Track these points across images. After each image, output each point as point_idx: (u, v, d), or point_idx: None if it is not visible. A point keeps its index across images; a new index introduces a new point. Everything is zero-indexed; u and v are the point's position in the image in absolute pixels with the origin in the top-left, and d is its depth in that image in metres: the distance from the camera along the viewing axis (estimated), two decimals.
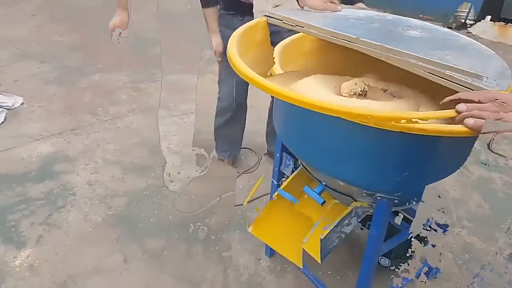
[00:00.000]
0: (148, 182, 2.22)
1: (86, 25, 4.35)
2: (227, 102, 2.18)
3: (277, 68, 1.10)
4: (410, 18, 1.41)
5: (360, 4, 1.61)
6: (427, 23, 1.37)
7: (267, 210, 1.38)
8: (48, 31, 4.18)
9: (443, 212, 1.86)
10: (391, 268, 1.62)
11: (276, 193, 1.36)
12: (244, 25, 1.28)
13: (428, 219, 1.41)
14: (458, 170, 2.33)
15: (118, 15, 1.84)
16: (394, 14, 1.46)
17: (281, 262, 1.78)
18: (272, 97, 1.32)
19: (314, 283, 1.58)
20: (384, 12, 1.52)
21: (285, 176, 1.49)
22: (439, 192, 2.16)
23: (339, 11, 1.43)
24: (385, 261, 1.58)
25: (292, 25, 1.29)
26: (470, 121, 0.81)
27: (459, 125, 0.84)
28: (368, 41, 1.14)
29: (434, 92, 1.18)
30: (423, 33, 1.25)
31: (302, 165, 1.35)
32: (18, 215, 1.98)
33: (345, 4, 1.56)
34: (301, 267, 1.26)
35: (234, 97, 2.14)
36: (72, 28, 4.27)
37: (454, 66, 1.00)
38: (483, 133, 0.79)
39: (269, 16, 1.35)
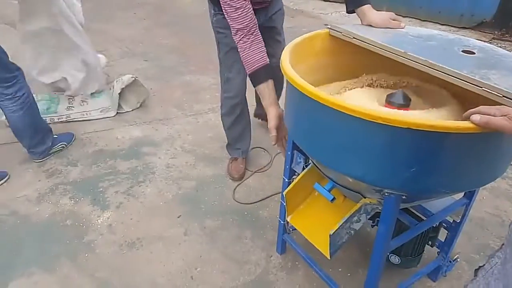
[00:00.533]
0: (215, 171, 2.46)
1: (187, 30, 4.81)
2: (237, 100, 2.18)
3: (287, 67, 1.18)
4: (471, 39, 1.45)
5: (367, 7, 1.50)
6: (489, 45, 1.39)
7: (307, 203, 1.49)
8: (154, 33, 4.72)
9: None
10: (401, 266, 1.63)
11: (316, 190, 1.43)
12: (303, 35, 1.43)
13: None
14: None
15: (272, 113, 1.50)
16: (454, 34, 1.50)
17: (292, 259, 1.86)
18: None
19: (325, 280, 1.61)
20: (448, 32, 1.55)
21: (296, 173, 1.53)
22: (503, 221, 2.09)
23: (402, 28, 1.52)
24: (395, 259, 1.59)
25: (349, 37, 1.42)
26: (476, 117, 0.87)
27: (466, 121, 0.90)
28: (415, 55, 1.23)
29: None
30: (479, 53, 1.29)
31: (313, 162, 1.40)
32: (106, 184, 2.35)
33: (351, 6, 1.54)
34: (329, 258, 1.35)
35: (243, 92, 2.16)
36: (174, 32, 4.75)
37: (493, 84, 1.05)
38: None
39: (331, 29, 1.50)
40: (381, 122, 0.94)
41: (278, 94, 2.34)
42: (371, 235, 1.96)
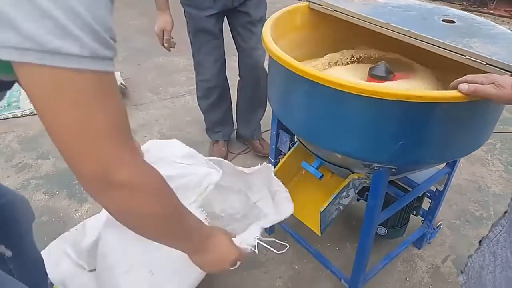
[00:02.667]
0: None
1: (155, 10, 4.64)
2: (212, 83, 2.13)
3: (269, 42, 1.15)
4: (450, 8, 1.45)
5: None
6: (468, 14, 1.40)
7: (295, 182, 1.49)
8: (121, 14, 4.53)
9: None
10: (387, 236, 1.66)
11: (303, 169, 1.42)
12: (283, 9, 1.39)
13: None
14: (503, 167, 2.29)
15: (160, 17, 1.88)
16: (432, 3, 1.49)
17: (281, 239, 1.84)
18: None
19: (315, 256, 1.63)
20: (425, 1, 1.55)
21: (282, 153, 1.51)
22: (480, 186, 2.15)
23: None
24: (381, 230, 1.62)
25: (330, 10, 1.39)
26: (464, 85, 0.87)
27: (454, 91, 0.90)
28: (398, 26, 1.21)
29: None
30: (459, 22, 1.29)
31: (299, 141, 1.39)
32: None
33: None
34: (320, 235, 1.35)
35: (218, 76, 2.11)
36: (143, 13, 4.58)
37: (476, 52, 1.05)
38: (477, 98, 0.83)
39: (311, 1, 1.46)
40: (370, 96, 0.92)
41: (258, 116, 2.36)
42: (356, 209, 1.98)
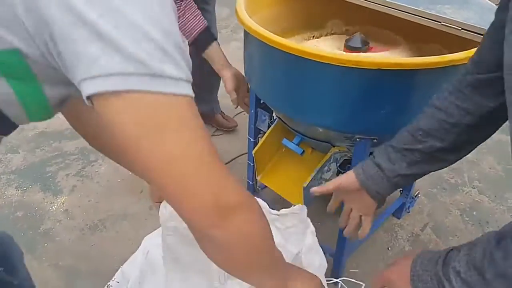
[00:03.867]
0: None
1: None
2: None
3: (245, 17, 1.12)
4: None
5: None
6: None
7: (276, 160, 1.47)
8: None
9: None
10: None
11: (284, 146, 1.41)
12: None
13: None
14: None
15: (225, 75, 1.41)
16: None
17: None
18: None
19: None
20: None
21: (261, 132, 1.49)
22: None
23: None
24: None
25: None
26: None
27: (433, 57, 0.90)
28: None
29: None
30: None
31: (279, 118, 1.37)
32: (55, 168, 2.18)
33: None
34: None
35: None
36: None
37: (450, 18, 1.06)
38: None
39: None
40: (351, 66, 0.91)
41: (215, 91, 2.28)
42: None
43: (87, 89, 0.45)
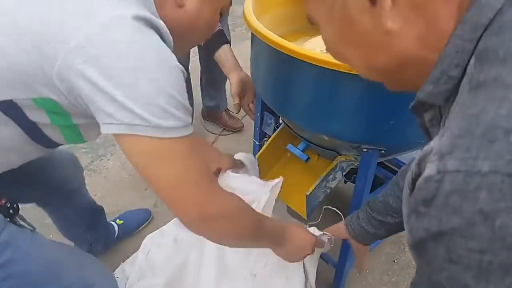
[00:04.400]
0: None
1: None
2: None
3: (251, 18, 1.08)
4: None
5: None
6: None
7: (280, 165, 1.44)
8: None
9: None
10: None
11: (289, 151, 1.38)
12: None
13: None
14: None
15: (232, 79, 1.37)
16: None
17: None
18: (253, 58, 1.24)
19: None
20: None
21: (267, 135, 1.46)
22: None
23: None
24: None
25: None
26: None
27: None
28: None
29: None
30: None
31: (284, 123, 1.34)
32: None
33: None
34: (305, 218, 1.31)
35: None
36: None
37: None
38: None
39: None
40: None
41: (222, 87, 2.34)
42: (342, 190, 1.95)
43: (105, 130, 0.66)
